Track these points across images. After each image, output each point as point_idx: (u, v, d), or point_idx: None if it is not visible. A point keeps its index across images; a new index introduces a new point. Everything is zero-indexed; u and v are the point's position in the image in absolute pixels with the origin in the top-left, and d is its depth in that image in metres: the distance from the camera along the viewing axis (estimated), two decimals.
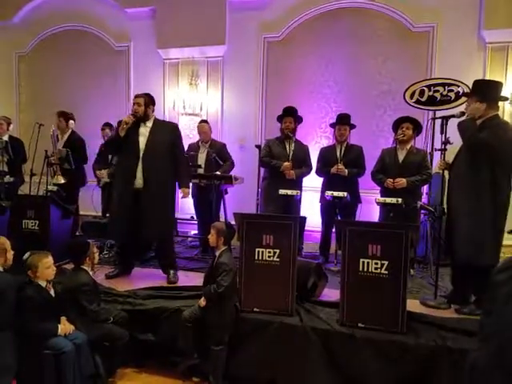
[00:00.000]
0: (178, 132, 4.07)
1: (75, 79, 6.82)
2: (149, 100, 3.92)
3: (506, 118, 4.95)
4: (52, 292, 2.94)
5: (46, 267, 2.87)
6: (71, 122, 5.33)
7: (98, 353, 2.95)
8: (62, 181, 4.87)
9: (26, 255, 2.89)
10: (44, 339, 2.75)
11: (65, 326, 2.84)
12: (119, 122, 3.86)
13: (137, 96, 3.96)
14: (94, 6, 6.66)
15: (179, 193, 4.05)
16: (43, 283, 2.87)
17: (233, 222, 3.38)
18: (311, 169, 4.86)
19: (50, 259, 2.92)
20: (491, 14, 4.96)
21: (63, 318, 2.90)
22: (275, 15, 5.87)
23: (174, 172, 3.94)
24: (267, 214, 3.98)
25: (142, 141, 3.83)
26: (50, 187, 4.76)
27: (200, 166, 4.98)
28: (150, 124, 3.90)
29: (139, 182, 3.79)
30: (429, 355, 2.69)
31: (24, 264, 2.86)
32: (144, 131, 3.87)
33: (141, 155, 3.79)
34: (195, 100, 6.19)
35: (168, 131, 3.96)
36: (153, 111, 3.98)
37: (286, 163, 4.61)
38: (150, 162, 3.79)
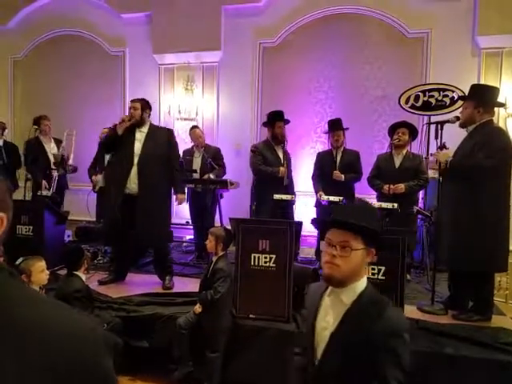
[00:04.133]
0: (173, 137, 4.07)
1: (70, 84, 6.79)
2: (145, 104, 3.93)
3: (501, 123, 4.97)
4: None
5: (40, 271, 2.84)
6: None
7: None
8: None
9: (19, 260, 2.86)
10: None
11: None
12: (114, 125, 3.87)
13: (133, 101, 3.97)
14: (90, 11, 6.65)
15: (174, 199, 4.05)
16: (36, 289, 2.83)
17: (228, 227, 3.36)
18: None
19: (43, 263, 2.88)
20: (485, 19, 4.99)
21: None
22: (271, 21, 5.89)
23: (169, 178, 3.94)
24: (263, 219, 3.95)
25: (138, 146, 3.82)
26: (44, 192, 4.72)
27: (195, 171, 4.96)
28: (145, 129, 3.90)
29: (133, 186, 3.78)
30: (425, 361, 2.67)
31: (17, 269, 2.82)
32: (139, 136, 3.86)
33: (136, 161, 3.78)
34: (191, 105, 6.18)
35: (163, 136, 3.95)
36: (149, 116, 3.99)
37: (282, 168, 4.61)
38: (145, 168, 3.79)
